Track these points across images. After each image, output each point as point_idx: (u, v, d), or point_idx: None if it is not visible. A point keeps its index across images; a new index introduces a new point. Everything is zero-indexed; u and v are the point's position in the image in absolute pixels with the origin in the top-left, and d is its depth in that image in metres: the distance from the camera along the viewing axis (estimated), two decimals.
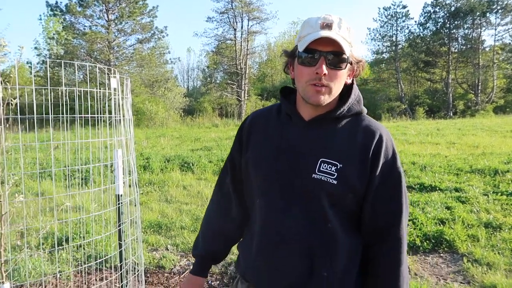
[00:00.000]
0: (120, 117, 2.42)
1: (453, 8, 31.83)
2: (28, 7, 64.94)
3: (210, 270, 3.44)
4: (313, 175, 1.13)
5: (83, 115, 2.41)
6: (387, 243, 1.17)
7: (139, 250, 2.75)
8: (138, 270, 2.76)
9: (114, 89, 2.38)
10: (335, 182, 1.12)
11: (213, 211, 1.43)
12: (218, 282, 3.29)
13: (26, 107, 2.39)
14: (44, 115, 2.36)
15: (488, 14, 30.95)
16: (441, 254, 3.78)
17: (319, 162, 1.14)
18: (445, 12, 32.53)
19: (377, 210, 1.16)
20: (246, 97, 31.03)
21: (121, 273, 2.43)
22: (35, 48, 28.02)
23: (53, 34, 26.60)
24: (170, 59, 30.56)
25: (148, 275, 3.41)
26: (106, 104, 2.39)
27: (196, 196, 6.01)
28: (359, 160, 1.14)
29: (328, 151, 1.15)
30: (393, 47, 34.78)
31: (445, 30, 32.55)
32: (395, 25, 34.60)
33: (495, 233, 4.12)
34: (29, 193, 5.84)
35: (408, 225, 4.34)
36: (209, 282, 3.28)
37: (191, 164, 8.19)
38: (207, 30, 44.93)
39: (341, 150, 1.15)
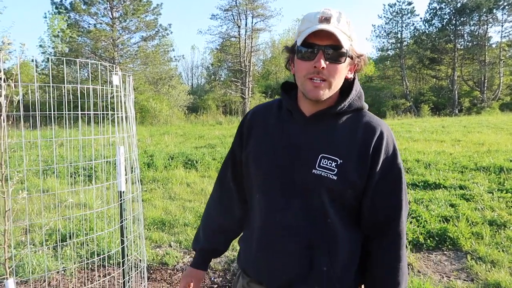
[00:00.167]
0: (122, 114, 2.42)
1: (459, 5, 31.58)
2: (33, 5, 65.25)
3: (213, 267, 3.45)
4: (313, 170, 1.13)
5: (85, 112, 2.42)
6: (387, 238, 1.17)
7: (141, 247, 2.77)
8: (141, 267, 2.77)
9: (116, 86, 2.38)
10: (335, 177, 1.12)
11: (214, 205, 1.44)
12: (221, 279, 3.30)
13: (30, 104, 2.40)
14: (47, 112, 2.38)
15: (494, 11, 30.66)
16: (445, 252, 3.77)
17: (319, 157, 1.14)
18: (451, 8, 32.27)
19: (377, 205, 1.16)
20: (250, 95, 31.02)
21: (123, 269, 2.45)
22: (40, 46, 28.18)
23: (58, 32, 26.71)
24: (174, 56, 30.66)
25: (151, 271, 3.42)
26: (108, 102, 2.40)
27: (200, 194, 6.03)
28: (359, 156, 1.13)
29: (329, 146, 1.15)
30: (398, 44, 34.58)
31: (451, 27, 32.31)
32: (400, 21, 34.40)
33: (499, 231, 4.09)
34: (34, 190, 5.88)
35: (411, 222, 4.32)
36: (212, 278, 3.29)
37: (194, 162, 8.21)
38: (211, 28, 44.96)
39: (341, 146, 1.14)
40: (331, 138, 1.16)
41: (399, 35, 34.62)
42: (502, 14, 30.88)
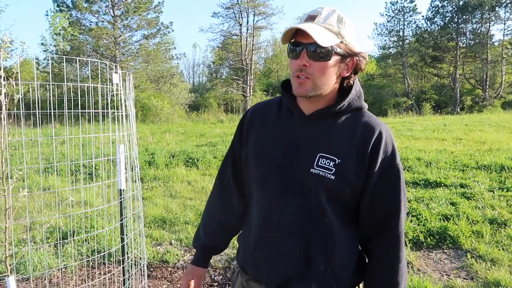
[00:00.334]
0: (122, 112, 2.43)
1: (461, 2, 31.44)
2: (35, 3, 65.28)
3: (213, 265, 3.46)
4: (311, 169, 1.14)
5: (86, 111, 2.43)
6: (386, 238, 1.17)
7: (142, 245, 2.78)
8: (141, 264, 2.78)
9: (117, 85, 2.39)
10: (332, 177, 1.12)
11: (214, 202, 1.44)
12: (221, 277, 3.31)
13: (31, 102, 2.41)
14: (48, 111, 2.38)
15: (497, 8, 30.52)
16: (445, 250, 3.77)
17: (317, 157, 1.14)
18: (453, 6, 32.14)
19: (375, 205, 1.16)
20: (251, 93, 31.00)
21: (123, 267, 2.46)
22: (42, 44, 28.22)
23: (60, 30, 26.73)
24: (175, 54, 30.54)
25: (152, 269, 3.44)
26: (109, 100, 2.41)
27: (201, 192, 6.04)
28: (357, 155, 1.13)
29: (327, 146, 1.15)
30: (400, 42, 34.49)
31: (453, 25, 32.18)
32: (402, 19, 34.29)
33: (499, 229, 4.09)
34: (35, 188, 5.90)
35: (411, 220, 4.32)
36: (212, 276, 3.30)
37: (196, 160, 8.22)
38: (213, 26, 44.83)
39: (340, 145, 1.14)
40: (330, 137, 1.16)
41: (401, 33, 34.51)
42: (505, 12, 30.77)
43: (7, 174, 1.82)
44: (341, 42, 1.11)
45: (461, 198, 5.17)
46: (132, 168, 2.59)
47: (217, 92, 31.89)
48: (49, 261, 3.39)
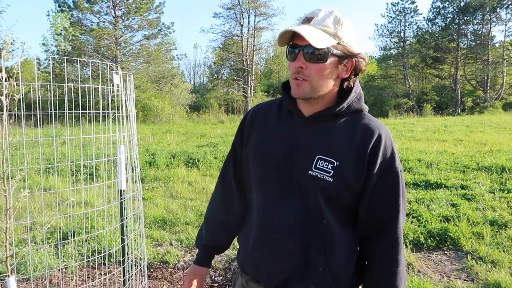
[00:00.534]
0: (123, 113, 2.43)
1: (462, 4, 31.44)
2: (36, 3, 65.38)
3: (214, 265, 3.46)
4: (310, 171, 1.14)
5: (87, 111, 2.43)
6: (384, 241, 1.17)
7: (142, 245, 2.78)
8: (141, 265, 2.78)
9: (117, 85, 2.39)
10: (330, 179, 1.12)
11: (216, 203, 1.45)
12: (221, 277, 3.31)
13: (32, 103, 2.42)
14: (49, 111, 2.39)
15: (498, 10, 30.51)
16: (445, 252, 3.77)
17: (315, 159, 1.14)
18: (455, 7, 32.13)
19: (374, 207, 1.16)
20: (252, 94, 31.01)
21: (123, 268, 2.46)
22: (43, 44, 28.22)
23: (61, 30, 26.75)
24: (176, 55, 30.73)
25: (152, 270, 3.44)
26: (109, 100, 2.41)
27: (201, 192, 6.04)
28: (356, 158, 1.13)
29: (326, 148, 1.15)
30: (401, 43, 34.48)
31: (454, 26, 32.17)
32: (403, 20, 34.28)
33: (500, 231, 4.08)
34: (36, 188, 5.91)
35: (412, 222, 4.32)
36: (213, 277, 3.30)
37: (196, 160, 8.22)
38: (214, 26, 44.84)
39: (338, 148, 1.14)
40: (329, 139, 1.16)
41: (402, 34, 34.50)
42: (506, 13, 30.75)
43: (8, 174, 1.82)
44: (338, 43, 1.11)
45: (461, 199, 5.17)
46: (132, 169, 2.59)
47: (218, 93, 31.90)
48: (50, 262, 3.39)
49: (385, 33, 35.52)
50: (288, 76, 1.32)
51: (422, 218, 4.36)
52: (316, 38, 1.07)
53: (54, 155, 6.51)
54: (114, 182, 2.81)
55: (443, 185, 5.93)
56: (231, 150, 1.39)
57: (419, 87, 36.12)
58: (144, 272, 2.79)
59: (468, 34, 32.53)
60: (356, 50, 1.16)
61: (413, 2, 33.69)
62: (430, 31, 33.69)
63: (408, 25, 34.36)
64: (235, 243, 1.40)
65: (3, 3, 35.05)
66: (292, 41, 1.14)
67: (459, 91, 31.35)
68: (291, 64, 1.14)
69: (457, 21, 32.06)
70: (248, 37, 31.36)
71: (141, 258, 2.82)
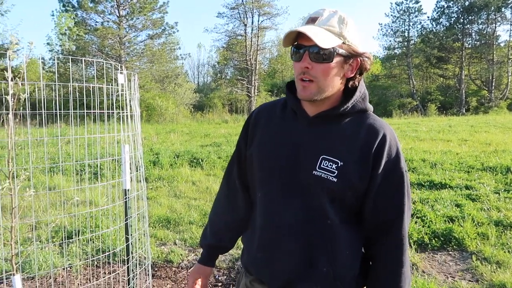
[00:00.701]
0: (127, 112, 2.44)
1: (467, 3, 31.27)
2: (41, 3, 65.70)
3: (218, 265, 3.47)
4: (314, 171, 1.13)
5: (91, 111, 2.44)
6: (389, 241, 1.17)
7: (146, 244, 2.78)
8: (145, 264, 2.79)
9: (122, 85, 2.40)
10: (335, 179, 1.12)
11: (220, 203, 1.45)
12: (225, 277, 3.31)
13: (36, 102, 2.42)
14: (54, 111, 2.40)
15: (503, 9, 30.35)
16: (450, 252, 3.75)
17: (320, 159, 1.14)
18: (459, 7, 31.97)
19: (379, 207, 1.16)
20: (256, 93, 31.01)
21: (128, 267, 2.47)
22: (48, 44, 28.41)
23: (65, 30, 26.88)
24: (180, 54, 30.80)
25: (156, 269, 3.44)
26: (114, 100, 2.42)
27: (205, 192, 6.05)
28: (360, 158, 1.13)
29: (330, 148, 1.14)
30: (405, 43, 34.33)
31: (459, 26, 32.00)
32: (407, 20, 34.14)
33: (505, 232, 4.06)
34: (40, 187, 5.93)
35: (416, 222, 4.31)
36: (216, 277, 3.31)
37: (200, 160, 8.23)
38: (218, 26, 44.89)
39: (343, 148, 1.14)
40: (333, 139, 1.16)
41: (406, 34, 34.36)
42: (511, 13, 30.62)
43: (13, 173, 1.83)
44: (343, 43, 1.11)
45: (466, 199, 5.14)
46: (137, 168, 2.60)
47: (222, 92, 31.92)
48: (54, 260, 3.41)
49: (389, 33, 35.40)
50: (292, 76, 1.32)
51: (427, 219, 4.34)
52: (322, 38, 1.07)
53: (58, 154, 6.54)
54: (118, 182, 2.82)
55: (448, 185, 5.91)
56: (236, 150, 1.39)
57: (423, 87, 35.98)
58: (148, 271, 2.80)
59: (473, 34, 32.37)
60: (361, 49, 1.15)
61: (417, 2, 33.55)
62: (435, 31, 33.53)
63: (412, 24, 34.24)
64: (239, 242, 1.40)
65: (8, 3, 35.27)
66: (296, 42, 1.14)
67: (463, 91, 31.20)
68: (296, 65, 1.13)
69: (461, 20, 31.89)
70: (251, 37, 31.36)
71: (145, 257, 2.83)
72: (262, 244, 1.23)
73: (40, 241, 3.90)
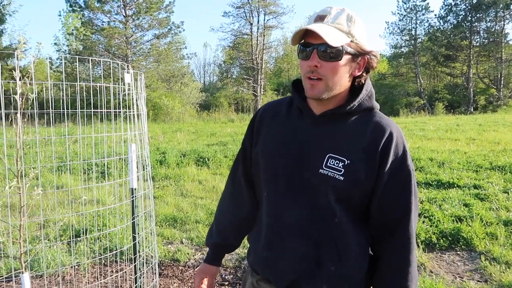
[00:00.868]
0: (134, 111, 2.45)
1: (475, 1, 30.94)
2: (48, 4, 66.19)
3: (224, 264, 3.47)
4: (320, 170, 1.13)
5: (98, 110, 2.45)
6: (396, 239, 1.16)
7: (153, 243, 2.79)
8: (152, 263, 2.80)
9: (128, 84, 2.40)
10: (341, 178, 1.11)
11: (226, 202, 1.45)
12: (232, 276, 3.31)
13: (44, 101, 2.44)
14: (61, 110, 2.41)
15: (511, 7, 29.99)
16: (458, 252, 3.72)
17: (326, 157, 1.13)
18: (467, 4, 31.65)
19: (386, 205, 1.15)
20: (262, 92, 31.00)
21: (135, 265, 2.47)
22: (55, 44, 28.65)
23: (72, 30, 27.07)
24: (186, 54, 30.90)
25: (163, 268, 3.45)
26: (121, 99, 2.43)
27: (211, 191, 6.05)
28: (367, 155, 1.12)
29: (336, 146, 1.14)
30: (412, 41, 34.07)
31: (467, 23, 31.69)
32: (414, 18, 33.87)
33: None
34: (48, 186, 5.98)
35: (424, 222, 4.27)
36: (223, 276, 3.31)
37: (206, 159, 8.25)
38: (224, 25, 45.08)
39: (349, 146, 1.13)
40: (340, 138, 1.15)
41: (413, 32, 34.09)
42: None
43: (22, 172, 1.84)
44: (351, 41, 1.10)
45: (474, 199, 5.10)
46: (143, 167, 2.60)
47: (228, 92, 31.96)
48: (62, 259, 3.43)
49: (396, 31, 35.13)
50: (298, 74, 1.31)
51: (434, 218, 4.31)
52: (332, 36, 1.06)
53: (66, 153, 6.59)
54: (125, 181, 2.83)
55: (456, 185, 5.86)
56: (241, 149, 1.39)
57: (430, 86, 35.70)
58: (155, 269, 2.81)
59: (481, 32, 32.02)
60: (368, 47, 1.15)
61: (424, 0, 33.29)
62: (442, 29, 33.22)
63: (420, 22, 33.95)
64: (245, 241, 1.40)
65: (15, 4, 35.63)
66: (303, 40, 1.13)
67: (471, 90, 30.91)
68: (304, 63, 1.12)
69: (469, 18, 31.57)
70: (257, 36, 31.34)
71: (152, 256, 2.84)
72: (268, 243, 1.22)
73: (48, 240, 3.93)
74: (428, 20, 34.16)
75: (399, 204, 1.15)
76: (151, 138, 12.56)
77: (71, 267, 3.35)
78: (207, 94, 31.84)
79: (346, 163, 1.11)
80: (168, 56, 27.41)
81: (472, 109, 29.34)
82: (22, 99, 1.81)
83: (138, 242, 2.51)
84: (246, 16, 30.95)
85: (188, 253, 3.72)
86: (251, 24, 31.16)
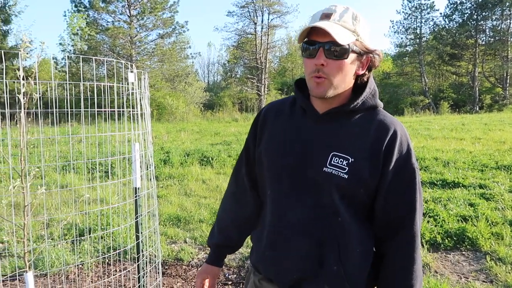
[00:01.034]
0: (137, 111, 2.45)
1: None
2: (53, 4, 66.55)
3: (228, 263, 3.46)
4: (324, 168, 1.12)
5: (102, 109, 2.45)
6: (400, 239, 1.15)
7: (157, 242, 2.80)
8: (156, 262, 2.80)
9: (132, 84, 2.40)
10: (345, 176, 1.10)
11: (228, 201, 1.44)
12: (235, 275, 3.31)
13: (49, 101, 2.45)
14: (65, 110, 2.42)
15: None
16: (463, 252, 3.69)
17: (330, 155, 1.13)
18: (472, 3, 31.42)
19: (390, 204, 1.14)
20: (266, 92, 30.97)
21: (138, 264, 2.48)
22: (60, 44, 28.78)
23: (77, 30, 27.20)
24: (190, 53, 30.82)
25: (167, 267, 3.46)
26: (125, 99, 2.43)
27: (215, 190, 6.06)
28: (371, 154, 1.12)
29: (340, 145, 1.13)
30: (417, 40, 33.88)
31: (472, 22, 31.46)
32: (419, 17, 33.69)
33: None
34: (53, 185, 6.01)
35: (428, 221, 4.25)
36: (226, 275, 3.31)
37: (210, 159, 8.25)
38: (228, 25, 45.10)
39: (353, 144, 1.13)
40: (343, 136, 1.15)
41: (418, 31, 33.90)
42: None
43: (26, 171, 1.85)
44: (356, 39, 1.10)
45: (480, 199, 5.06)
46: (147, 167, 2.60)
47: (232, 91, 31.96)
48: (66, 258, 3.45)
49: (400, 30, 34.96)
50: (302, 73, 1.31)
51: (439, 218, 4.28)
52: (342, 35, 1.06)
53: (70, 153, 6.62)
54: (129, 180, 2.83)
55: (461, 184, 5.82)
56: (244, 148, 1.39)
57: (435, 85, 35.50)
58: (158, 269, 2.81)
59: (487, 30, 31.78)
60: (371, 46, 1.15)
61: None
62: (447, 28, 33.01)
63: (425, 21, 33.75)
64: (249, 240, 1.39)
65: (21, 4, 35.86)
66: (307, 38, 1.12)
67: (477, 88, 30.70)
68: (309, 62, 1.12)
69: (475, 16, 31.35)
70: (261, 35, 31.32)
71: (155, 255, 2.84)
72: (270, 242, 1.22)
73: (52, 239, 3.95)
74: (433, 19, 33.97)
75: (403, 202, 1.14)
76: (155, 138, 12.59)
77: (75, 266, 3.36)
78: (211, 94, 31.87)
79: (350, 161, 1.11)
80: (172, 55, 27.45)
81: (477, 108, 29.15)
82: (26, 98, 1.81)
83: (142, 241, 2.51)
84: (250, 15, 30.94)
85: (191, 253, 3.73)
86: (255, 23, 31.13)
